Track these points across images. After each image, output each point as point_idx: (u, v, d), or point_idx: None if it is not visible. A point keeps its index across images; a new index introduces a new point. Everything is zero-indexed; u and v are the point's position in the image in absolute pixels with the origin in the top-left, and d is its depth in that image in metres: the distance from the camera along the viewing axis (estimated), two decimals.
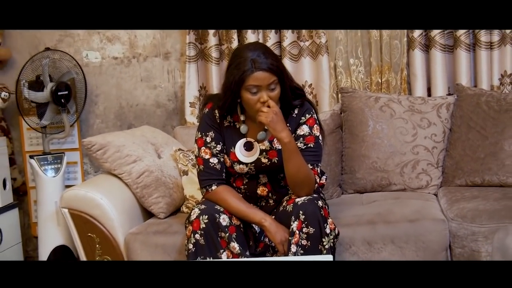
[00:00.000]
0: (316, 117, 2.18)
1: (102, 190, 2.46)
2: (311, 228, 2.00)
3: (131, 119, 3.30)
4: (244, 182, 2.23)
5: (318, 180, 2.16)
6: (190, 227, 2.08)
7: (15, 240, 3.09)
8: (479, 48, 2.83)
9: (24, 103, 3.12)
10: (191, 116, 3.14)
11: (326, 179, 2.34)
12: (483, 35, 2.81)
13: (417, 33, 2.89)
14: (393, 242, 2.17)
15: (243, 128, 2.18)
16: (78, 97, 3.19)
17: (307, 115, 2.16)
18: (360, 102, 2.69)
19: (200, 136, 2.23)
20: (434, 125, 2.63)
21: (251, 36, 3.02)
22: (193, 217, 2.09)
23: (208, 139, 2.20)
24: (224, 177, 2.20)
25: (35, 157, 3.01)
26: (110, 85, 3.29)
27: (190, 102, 3.14)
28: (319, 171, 2.17)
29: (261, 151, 2.17)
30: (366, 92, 2.80)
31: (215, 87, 3.08)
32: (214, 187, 2.17)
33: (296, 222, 2.02)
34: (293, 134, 2.13)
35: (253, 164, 2.17)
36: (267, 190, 2.22)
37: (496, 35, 2.82)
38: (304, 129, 2.15)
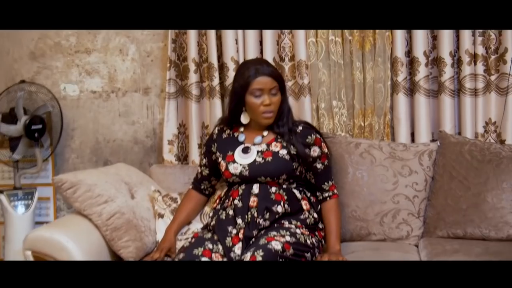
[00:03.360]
0: (319, 136, 2.39)
1: (69, 232, 2.35)
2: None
3: (107, 154, 3.21)
4: (240, 193, 2.30)
5: (336, 191, 2.42)
6: None
7: None
8: (464, 94, 2.78)
9: None
10: (169, 154, 3.06)
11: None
12: (467, 81, 2.76)
13: (401, 77, 2.84)
14: None
15: (240, 137, 2.38)
16: (53, 131, 3.11)
17: (312, 135, 2.36)
18: (340, 148, 2.62)
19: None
20: (416, 173, 2.56)
21: (232, 74, 2.95)
22: None
23: (202, 151, 2.59)
24: (201, 186, 2.52)
25: (4, 192, 2.92)
26: (87, 119, 3.21)
27: (168, 140, 3.06)
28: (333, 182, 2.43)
29: (257, 152, 2.33)
30: (347, 137, 2.73)
31: (194, 125, 3.01)
32: (190, 187, 2.56)
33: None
34: (305, 148, 2.33)
35: (248, 165, 2.31)
36: (256, 201, 2.27)
37: (481, 82, 2.77)
38: (316, 150, 2.35)
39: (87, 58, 3.18)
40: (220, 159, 2.40)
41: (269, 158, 2.32)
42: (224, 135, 2.45)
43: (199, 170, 2.54)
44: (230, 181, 2.38)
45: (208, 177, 2.52)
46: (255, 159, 2.33)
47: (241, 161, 2.34)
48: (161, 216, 2.56)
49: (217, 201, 2.45)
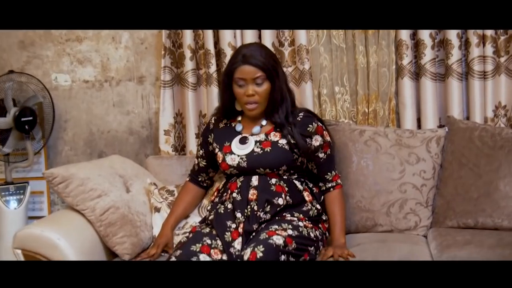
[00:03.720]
0: (321, 124, 2.28)
1: (61, 229, 2.24)
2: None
3: (101, 146, 3.09)
4: (238, 186, 2.20)
5: (339, 181, 2.31)
6: None
7: None
8: (472, 77, 2.65)
9: None
10: (166, 145, 2.94)
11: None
12: (476, 64, 2.64)
13: (406, 60, 2.71)
14: None
15: (238, 126, 2.28)
16: (45, 122, 3.00)
17: (313, 124, 2.24)
18: (343, 136, 2.50)
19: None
20: (423, 161, 2.44)
21: None
22: None
23: (199, 142, 2.44)
24: (198, 178, 2.42)
25: None
26: (80, 110, 3.09)
27: (164, 130, 2.94)
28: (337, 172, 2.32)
29: (255, 142, 2.23)
30: (350, 124, 2.60)
31: (191, 114, 2.89)
32: (187, 179, 2.46)
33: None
34: (303, 137, 2.21)
35: (246, 156, 2.21)
36: (256, 194, 2.16)
37: (490, 64, 2.64)
38: (318, 139, 2.24)
39: (79, 46, 3.06)
40: (217, 150, 2.30)
41: (268, 149, 2.21)
42: (221, 125, 2.34)
43: (196, 162, 2.43)
44: (227, 173, 2.27)
45: (206, 168, 2.40)
46: (253, 150, 2.22)
47: (238, 152, 2.23)
48: (157, 210, 2.46)
49: (215, 193, 2.34)
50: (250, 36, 2.81)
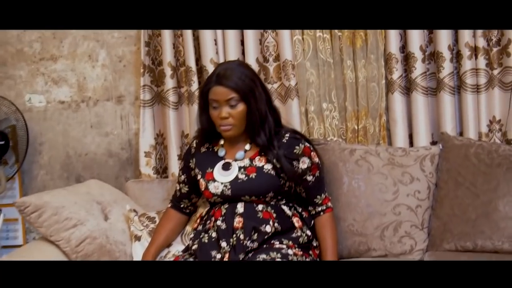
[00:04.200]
0: (309, 144, 2.16)
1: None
2: None
3: (79, 170, 2.94)
4: (223, 213, 2.08)
5: (330, 204, 2.19)
6: None
7: None
8: (465, 91, 2.54)
9: None
10: (147, 167, 2.80)
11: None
12: (468, 77, 2.53)
13: (396, 74, 2.60)
14: None
15: (220, 151, 2.16)
16: (19, 146, 2.84)
17: (300, 145, 2.12)
18: (333, 155, 2.37)
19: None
20: (418, 181, 2.32)
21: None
22: None
23: (180, 167, 2.31)
24: (180, 204, 2.28)
25: None
26: (56, 132, 2.94)
27: (145, 152, 2.80)
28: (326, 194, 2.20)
29: (239, 168, 2.10)
30: (340, 143, 2.48)
31: (173, 135, 2.76)
32: (169, 205, 2.31)
33: None
34: (289, 160, 2.09)
35: (229, 183, 2.08)
36: (242, 221, 2.04)
37: (483, 77, 2.54)
38: (305, 162, 2.13)
39: (53, 65, 2.92)
40: (199, 176, 2.18)
41: (253, 175, 2.08)
42: (203, 149, 2.21)
43: (178, 188, 2.29)
44: (211, 201, 2.14)
45: (188, 194, 2.27)
46: (237, 176, 2.09)
47: (221, 179, 2.10)
48: (137, 238, 2.31)
49: (198, 221, 2.20)
50: (233, 51, 2.69)
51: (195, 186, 2.22)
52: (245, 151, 2.13)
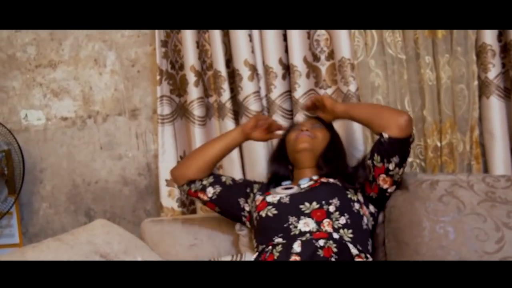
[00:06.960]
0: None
1: None
2: None
3: (88, 201, 2.39)
4: (275, 257, 1.71)
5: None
6: None
7: None
8: None
9: None
10: (169, 199, 2.23)
11: None
12: None
13: (493, 72, 1.96)
14: None
15: (285, 182, 1.96)
16: (14, 174, 2.32)
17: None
18: (406, 191, 1.74)
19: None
20: None
21: (247, 85, 2.10)
22: None
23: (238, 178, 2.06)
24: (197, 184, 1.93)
25: None
26: (59, 155, 2.40)
27: (166, 180, 2.23)
28: None
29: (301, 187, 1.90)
30: (416, 174, 1.84)
31: None
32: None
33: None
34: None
35: (289, 195, 1.83)
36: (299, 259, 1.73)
37: None
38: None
39: (52, 73, 2.37)
40: (258, 196, 1.92)
41: (316, 185, 1.84)
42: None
43: (223, 178, 1.97)
44: (262, 215, 1.80)
45: (217, 184, 1.92)
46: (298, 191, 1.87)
47: (281, 192, 1.87)
48: None
49: None
50: (273, 49, 2.10)
51: (225, 203, 1.91)
52: (310, 179, 1.89)
